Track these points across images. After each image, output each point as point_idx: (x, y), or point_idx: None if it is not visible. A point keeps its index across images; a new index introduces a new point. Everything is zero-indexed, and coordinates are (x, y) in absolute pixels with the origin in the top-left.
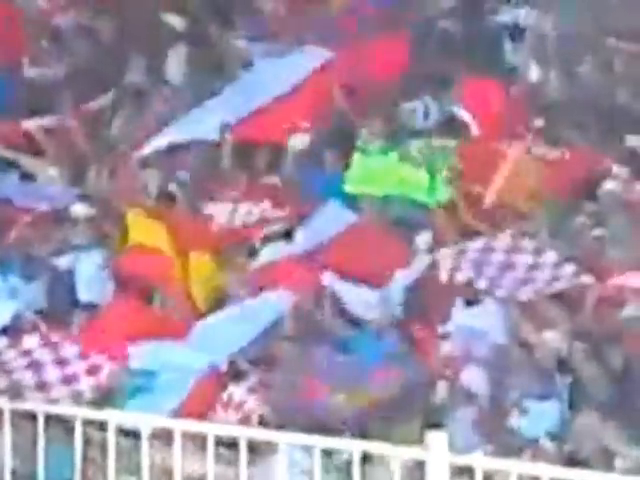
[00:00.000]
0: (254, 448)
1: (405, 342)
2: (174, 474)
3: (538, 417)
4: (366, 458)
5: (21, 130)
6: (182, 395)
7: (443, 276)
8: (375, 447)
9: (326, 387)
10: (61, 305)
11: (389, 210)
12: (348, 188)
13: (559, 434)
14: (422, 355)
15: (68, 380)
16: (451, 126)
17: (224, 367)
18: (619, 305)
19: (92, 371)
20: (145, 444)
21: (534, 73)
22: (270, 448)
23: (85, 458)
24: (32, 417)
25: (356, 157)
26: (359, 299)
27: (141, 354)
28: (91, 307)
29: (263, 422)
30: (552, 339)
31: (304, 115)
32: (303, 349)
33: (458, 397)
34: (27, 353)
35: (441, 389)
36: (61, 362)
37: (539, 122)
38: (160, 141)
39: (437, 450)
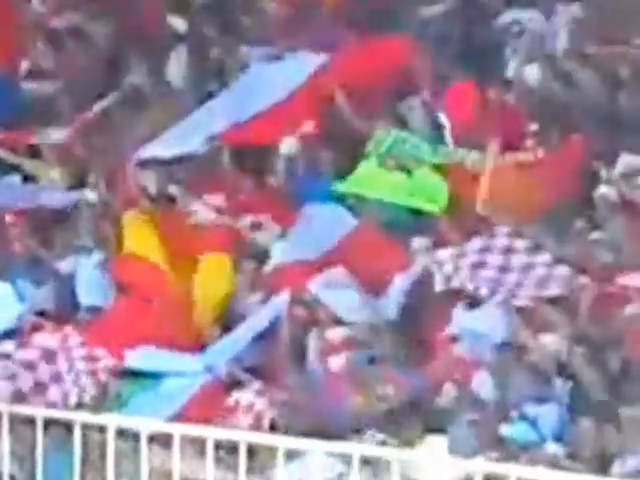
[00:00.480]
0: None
1: (404, 346)
2: (173, 477)
3: (537, 421)
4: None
5: (24, 140)
6: (183, 400)
7: (440, 282)
8: (374, 450)
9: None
10: (63, 308)
11: (387, 213)
12: (347, 190)
13: (558, 438)
14: (422, 359)
15: (64, 382)
16: (437, 132)
17: (225, 371)
18: (618, 306)
19: (93, 374)
20: (144, 448)
21: (528, 77)
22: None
23: (84, 462)
24: (31, 421)
25: (364, 161)
26: (345, 304)
27: (141, 358)
28: (93, 310)
29: (275, 426)
30: (551, 343)
31: (303, 118)
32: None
33: (460, 401)
34: (29, 355)
35: (442, 393)
36: (60, 364)
37: (533, 126)
38: (149, 152)
39: (437, 454)
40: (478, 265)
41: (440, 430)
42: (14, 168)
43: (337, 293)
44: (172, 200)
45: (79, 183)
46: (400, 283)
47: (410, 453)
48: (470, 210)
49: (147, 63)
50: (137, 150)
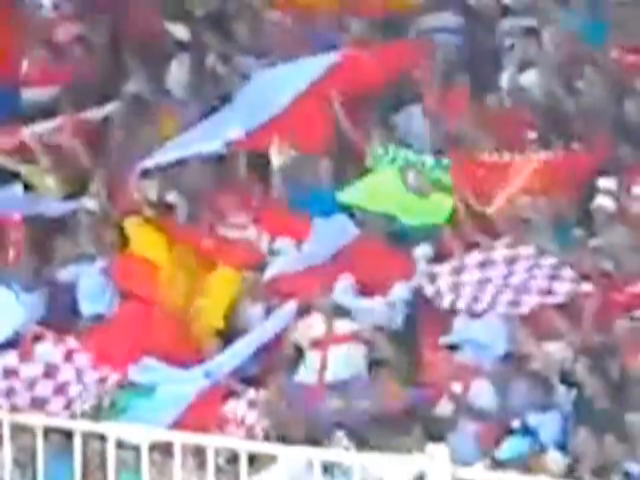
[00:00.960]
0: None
1: (406, 353)
2: None
3: (539, 429)
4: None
5: (19, 139)
6: (181, 409)
7: (440, 297)
8: (376, 458)
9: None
10: (64, 317)
11: (390, 224)
12: (348, 201)
13: (560, 446)
14: (423, 367)
15: (65, 392)
16: (444, 138)
17: (225, 381)
18: (622, 314)
19: (93, 383)
20: (145, 456)
21: (527, 84)
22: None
23: (85, 471)
24: (31, 430)
25: (366, 173)
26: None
27: (143, 371)
28: (95, 318)
29: (267, 436)
30: (554, 351)
31: (306, 127)
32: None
33: (461, 410)
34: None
35: (444, 402)
36: (61, 373)
37: (535, 133)
38: (164, 157)
39: (439, 462)
40: (482, 282)
41: (440, 438)
42: (13, 176)
43: (350, 298)
44: (172, 208)
45: (77, 191)
46: (401, 291)
47: (411, 461)
48: (473, 220)
49: (147, 71)
50: (138, 158)
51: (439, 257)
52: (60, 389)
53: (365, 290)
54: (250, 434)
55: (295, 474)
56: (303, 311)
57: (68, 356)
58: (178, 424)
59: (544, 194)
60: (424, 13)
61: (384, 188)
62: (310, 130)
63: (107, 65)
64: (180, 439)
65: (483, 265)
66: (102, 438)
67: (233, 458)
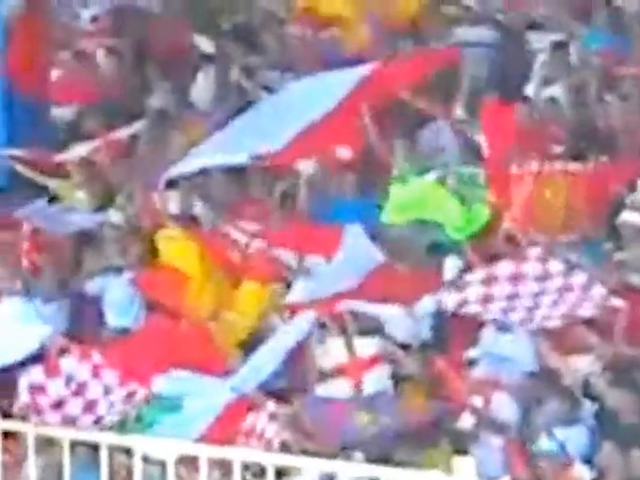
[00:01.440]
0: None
1: (432, 366)
2: None
3: (565, 443)
4: None
5: (52, 160)
6: (208, 422)
7: (470, 305)
8: (400, 473)
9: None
10: (90, 329)
11: (420, 236)
12: (383, 218)
13: (586, 460)
14: (449, 380)
15: (91, 406)
16: (473, 151)
17: (251, 394)
18: None
19: (121, 399)
20: (171, 470)
21: (561, 98)
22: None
23: None
24: (58, 444)
25: (392, 186)
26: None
27: (169, 383)
28: (121, 331)
29: (285, 448)
30: (581, 365)
31: (328, 143)
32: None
33: (486, 423)
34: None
35: (468, 415)
36: (89, 391)
37: (560, 146)
38: (188, 165)
39: (464, 476)
40: (512, 295)
41: (464, 452)
42: (42, 189)
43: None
44: (197, 221)
45: (105, 204)
46: (428, 305)
47: (436, 475)
48: (502, 232)
49: (172, 84)
50: (164, 170)
51: (468, 269)
52: (89, 407)
53: (391, 305)
54: (268, 447)
55: None
56: (323, 334)
57: (95, 373)
58: (204, 438)
59: (572, 208)
60: (453, 26)
61: (422, 198)
62: (338, 144)
63: (133, 78)
64: (206, 453)
65: (513, 278)
66: (128, 452)
67: (260, 472)
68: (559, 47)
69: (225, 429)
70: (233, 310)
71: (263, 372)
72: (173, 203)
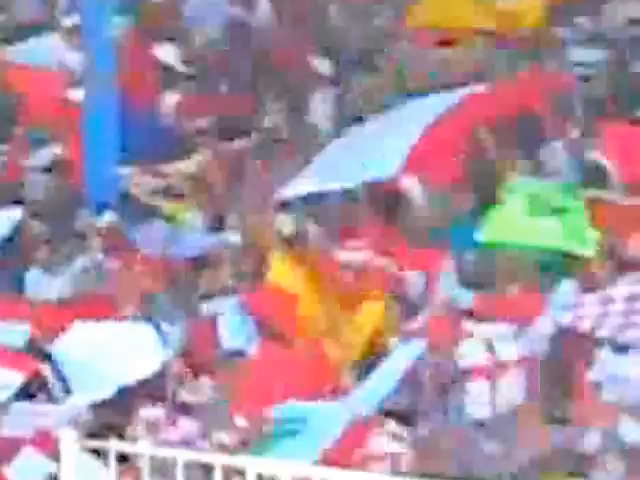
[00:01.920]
0: None
1: (550, 388)
2: None
3: None
4: None
5: (161, 175)
6: (327, 444)
7: (586, 325)
8: None
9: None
10: (206, 352)
11: (529, 257)
12: (486, 237)
13: None
14: (566, 403)
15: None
16: (591, 174)
17: (369, 416)
18: None
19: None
20: None
21: None
22: None
23: None
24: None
25: (505, 206)
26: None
27: (286, 412)
28: (235, 354)
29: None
30: None
31: (438, 164)
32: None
33: (609, 446)
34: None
35: (593, 438)
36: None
37: None
38: (301, 188)
39: None
40: (628, 313)
41: (582, 475)
42: (153, 208)
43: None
44: (308, 241)
45: (218, 225)
46: (544, 326)
47: None
48: (619, 253)
49: (288, 104)
50: (277, 191)
51: (583, 290)
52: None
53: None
54: (395, 469)
55: None
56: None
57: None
58: (324, 460)
59: None
60: (564, 47)
61: (515, 219)
62: (447, 165)
63: (248, 98)
64: (320, 475)
65: (630, 299)
66: (242, 474)
67: None
68: None
69: (344, 451)
70: (348, 331)
71: (380, 393)
72: (285, 224)
